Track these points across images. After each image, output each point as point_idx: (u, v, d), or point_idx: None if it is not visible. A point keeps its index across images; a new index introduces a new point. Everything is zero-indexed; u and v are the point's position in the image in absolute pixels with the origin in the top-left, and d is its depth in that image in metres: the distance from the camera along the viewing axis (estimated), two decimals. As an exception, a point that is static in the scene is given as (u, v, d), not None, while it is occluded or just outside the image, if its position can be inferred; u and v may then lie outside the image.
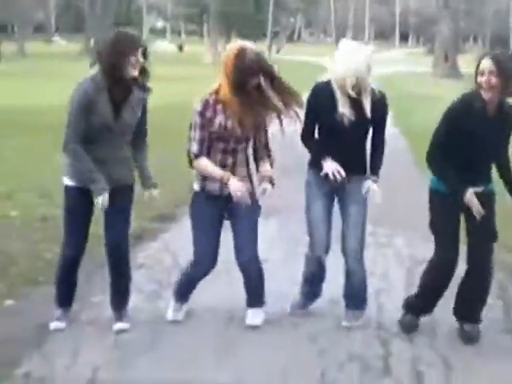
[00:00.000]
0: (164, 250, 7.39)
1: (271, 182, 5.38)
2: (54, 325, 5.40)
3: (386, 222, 8.20)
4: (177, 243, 7.45)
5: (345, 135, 5.37)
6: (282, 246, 7.60)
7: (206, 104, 5.21)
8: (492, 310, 5.82)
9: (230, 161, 5.32)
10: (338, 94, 5.34)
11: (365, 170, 5.55)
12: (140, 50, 5.04)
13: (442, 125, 5.33)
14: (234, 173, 5.29)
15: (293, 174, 9.34)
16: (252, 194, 5.39)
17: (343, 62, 5.25)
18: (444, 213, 5.42)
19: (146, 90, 5.26)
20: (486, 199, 5.37)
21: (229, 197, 5.25)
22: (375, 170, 5.54)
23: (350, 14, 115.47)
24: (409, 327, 5.58)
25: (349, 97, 5.30)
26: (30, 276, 6.38)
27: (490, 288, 5.54)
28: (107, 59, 5.02)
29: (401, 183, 10.52)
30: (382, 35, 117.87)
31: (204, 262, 5.48)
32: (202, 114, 5.21)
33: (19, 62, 32.71)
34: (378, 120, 5.47)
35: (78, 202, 5.28)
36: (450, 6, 44.25)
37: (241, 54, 5.08)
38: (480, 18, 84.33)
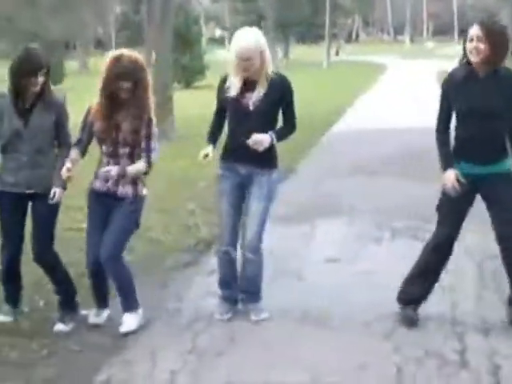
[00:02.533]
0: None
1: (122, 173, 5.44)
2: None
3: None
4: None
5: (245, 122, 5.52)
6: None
7: (88, 110, 5.56)
8: None
9: (112, 163, 5.48)
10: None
11: (269, 163, 5.64)
12: (42, 71, 5.38)
13: (440, 99, 5.43)
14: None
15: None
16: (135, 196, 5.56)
17: None
18: (456, 194, 5.35)
19: (53, 104, 5.53)
20: (500, 180, 5.32)
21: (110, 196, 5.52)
22: (279, 132, 5.63)
23: (408, 12, 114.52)
24: (410, 320, 5.55)
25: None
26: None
27: None
28: (11, 79, 5.44)
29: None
30: (441, 31, 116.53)
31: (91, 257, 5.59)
32: (84, 120, 5.58)
33: (83, 78, 33.18)
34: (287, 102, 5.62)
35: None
36: (509, -4, 43.59)
37: (115, 60, 5.37)
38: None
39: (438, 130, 5.50)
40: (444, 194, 5.44)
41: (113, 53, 5.49)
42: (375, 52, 70.98)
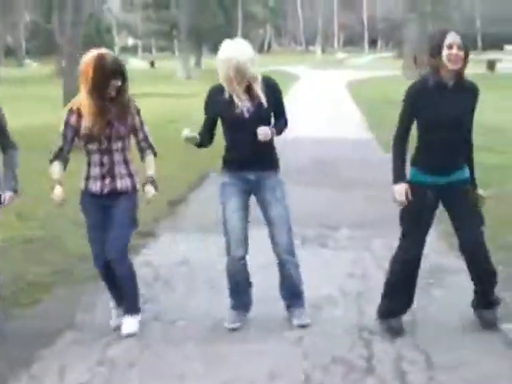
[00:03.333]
0: (145, 265, 7.41)
1: (154, 184, 5.64)
2: None
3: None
4: (158, 258, 7.51)
5: (244, 129, 5.55)
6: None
7: (70, 112, 5.56)
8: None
9: (106, 160, 5.57)
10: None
11: (275, 165, 5.72)
12: None
13: (403, 106, 5.42)
14: (113, 171, 5.57)
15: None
16: (134, 189, 5.65)
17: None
18: (418, 205, 5.40)
19: None
20: (458, 190, 5.41)
21: (109, 195, 5.58)
22: (276, 127, 5.74)
23: (319, 22, 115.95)
24: (393, 331, 5.56)
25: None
26: (13, 298, 6.37)
27: (492, 269, 5.56)
28: None
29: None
30: (352, 42, 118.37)
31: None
32: (66, 123, 5.57)
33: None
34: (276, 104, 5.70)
35: None
36: (416, 9, 44.62)
37: (100, 58, 5.41)
38: (447, 19, 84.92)
39: (395, 141, 5.47)
40: (412, 205, 5.40)
41: (92, 53, 5.46)
42: (287, 62, 71.63)
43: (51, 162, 5.59)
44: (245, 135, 5.55)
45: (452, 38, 5.20)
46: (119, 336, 5.59)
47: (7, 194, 5.53)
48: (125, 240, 5.61)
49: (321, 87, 37.02)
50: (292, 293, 5.86)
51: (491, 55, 63.13)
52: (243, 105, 5.55)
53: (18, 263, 7.34)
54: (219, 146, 5.78)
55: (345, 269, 7.01)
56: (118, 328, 5.70)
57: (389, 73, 47.93)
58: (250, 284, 5.90)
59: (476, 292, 5.69)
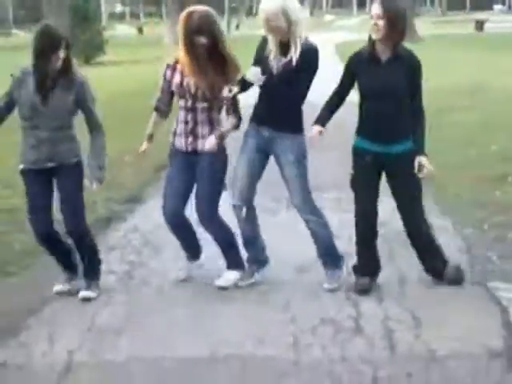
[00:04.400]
0: (133, 231, 7.42)
1: (221, 138, 5.62)
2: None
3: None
4: (145, 224, 7.51)
5: (270, 85, 5.50)
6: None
7: (166, 67, 5.70)
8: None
9: (190, 118, 5.63)
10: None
11: (293, 127, 5.65)
12: (63, 45, 5.31)
13: (342, 73, 5.66)
14: (195, 130, 5.63)
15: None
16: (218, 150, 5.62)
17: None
18: (363, 170, 5.58)
19: (74, 82, 5.48)
20: (400, 160, 5.51)
21: (193, 153, 5.65)
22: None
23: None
24: (361, 289, 5.64)
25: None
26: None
27: (434, 243, 5.71)
28: (33, 54, 5.33)
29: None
30: (340, 3, 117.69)
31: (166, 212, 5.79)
32: (164, 76, 5.71)
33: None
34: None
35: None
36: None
37: (190, 15, 5.46)
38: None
39: (329, 96, 5.71)
40: (355, 169, 5.62)
41: (187, 9, 5.54)
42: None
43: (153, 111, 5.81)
44: (269, 91, 5.51)
45: (373, 8, 5.39)
46: (107, 303, 5.60)
47: (94, 183, 5.58)
48: (213, 197, 5.68)
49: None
50: (325, 253, 5.86)
51: (480, 15, 62.82)
52: (275, 61, 5.50)
53: (3, 232, 7.36)
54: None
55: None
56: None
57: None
58: (258, 237, 5.95)
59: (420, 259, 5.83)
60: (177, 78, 5.61)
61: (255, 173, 5.74)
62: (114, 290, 5.86)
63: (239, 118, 5.75)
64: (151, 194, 8.71)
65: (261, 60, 5.55)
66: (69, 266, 5.83)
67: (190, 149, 5.66)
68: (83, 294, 5.68)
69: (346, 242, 6.24)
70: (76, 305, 5.61)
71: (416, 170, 5.47)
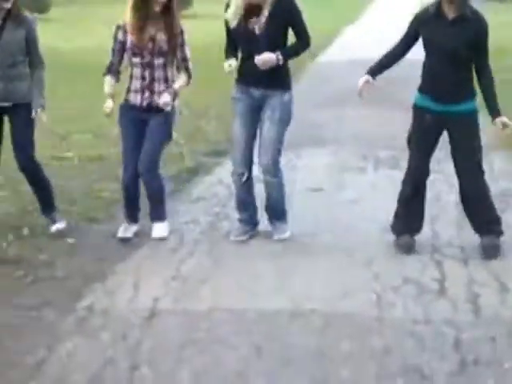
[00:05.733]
0: (219, 184, 7.47)
1: (171, 94, 5.71)
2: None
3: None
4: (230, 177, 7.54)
5: (255, 45, 5.54)
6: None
7: (117, 27, 5.78)
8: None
9: (148, 74, 5.74)
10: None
11: (281, 84, 5.68)
12: None
13: (407, 28, 5.55)
14: (151, 87, 5.76)
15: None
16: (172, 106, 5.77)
17: None
18: (421, 128, 5.50)
19: (23, 20, 5.68)
20: (465, 123, 5.41)
21: (147, 109, 5.76)
22: (288, 51, 5.68)
23: None
24: (406, 247, 5.63)
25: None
26: (89, 214, 6.54)
27: (488, 201, 5.58)
28: None
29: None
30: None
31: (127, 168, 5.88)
32: (114, 38, 5.80)
33: (72, 8, 32.75)
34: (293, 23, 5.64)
35: None
36: None
37: None
38: None
39: (391, 47, 5.66)
40: (413, 127, 5.57)
41: None
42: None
43: (104, 76, 5.86)
44: (253, 53, 5.53)
45: None
46: (192, 253, 5.66)
47: (38, 110, 5.72)
48: (155, 157, 5.80)
49: (395, 9, 36.01)
50: (272, 209, 5.97)
51: None
52: (254, 22, 5.54)
53: (93, 180, 7.50)
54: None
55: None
56: (125, 239, 5.90)
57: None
58: (253, 200, 6.00)
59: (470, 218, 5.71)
60: (130, 36, 5.69)
61: (251, 137, 5.83)
62: (199, 241, 5.93)
63: (189, 76, 5.87)
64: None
65: (235, 28, 5.61)
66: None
67: (145, 104, 5.77)
68: (57, 226, 6.02)
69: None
70: (161, 254, 5.69)
71: (501, 129, 5.41)
